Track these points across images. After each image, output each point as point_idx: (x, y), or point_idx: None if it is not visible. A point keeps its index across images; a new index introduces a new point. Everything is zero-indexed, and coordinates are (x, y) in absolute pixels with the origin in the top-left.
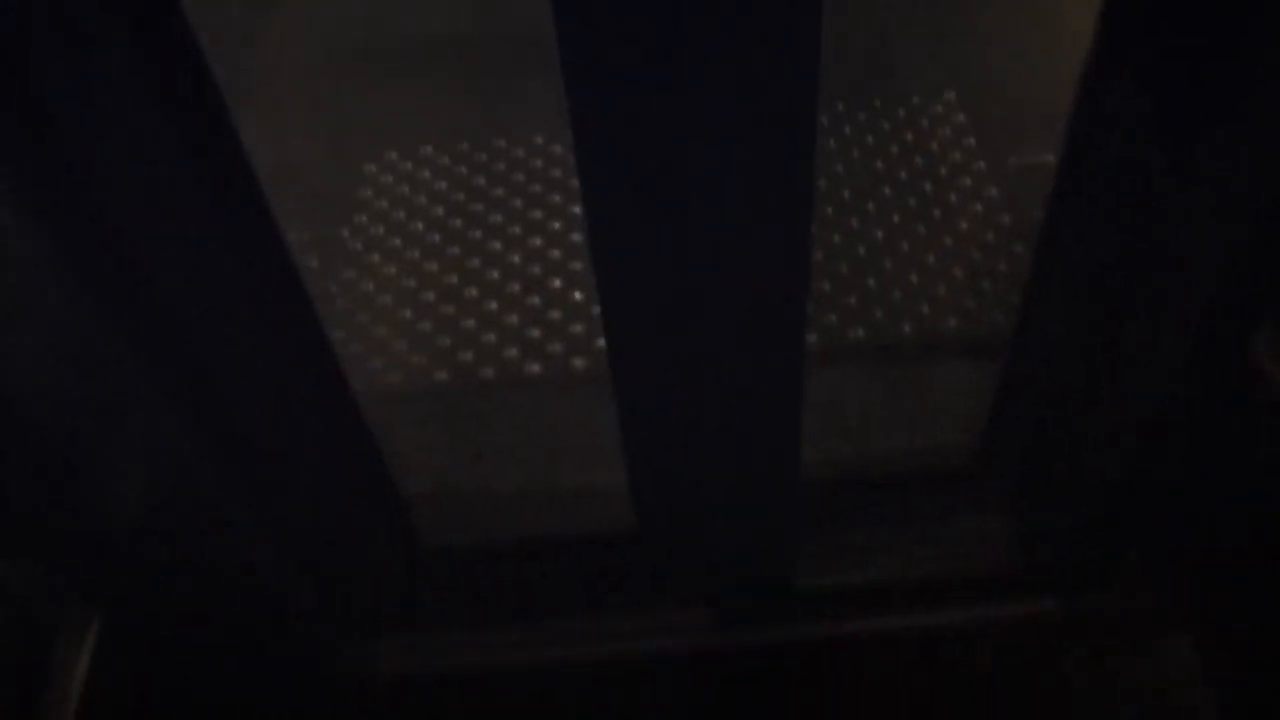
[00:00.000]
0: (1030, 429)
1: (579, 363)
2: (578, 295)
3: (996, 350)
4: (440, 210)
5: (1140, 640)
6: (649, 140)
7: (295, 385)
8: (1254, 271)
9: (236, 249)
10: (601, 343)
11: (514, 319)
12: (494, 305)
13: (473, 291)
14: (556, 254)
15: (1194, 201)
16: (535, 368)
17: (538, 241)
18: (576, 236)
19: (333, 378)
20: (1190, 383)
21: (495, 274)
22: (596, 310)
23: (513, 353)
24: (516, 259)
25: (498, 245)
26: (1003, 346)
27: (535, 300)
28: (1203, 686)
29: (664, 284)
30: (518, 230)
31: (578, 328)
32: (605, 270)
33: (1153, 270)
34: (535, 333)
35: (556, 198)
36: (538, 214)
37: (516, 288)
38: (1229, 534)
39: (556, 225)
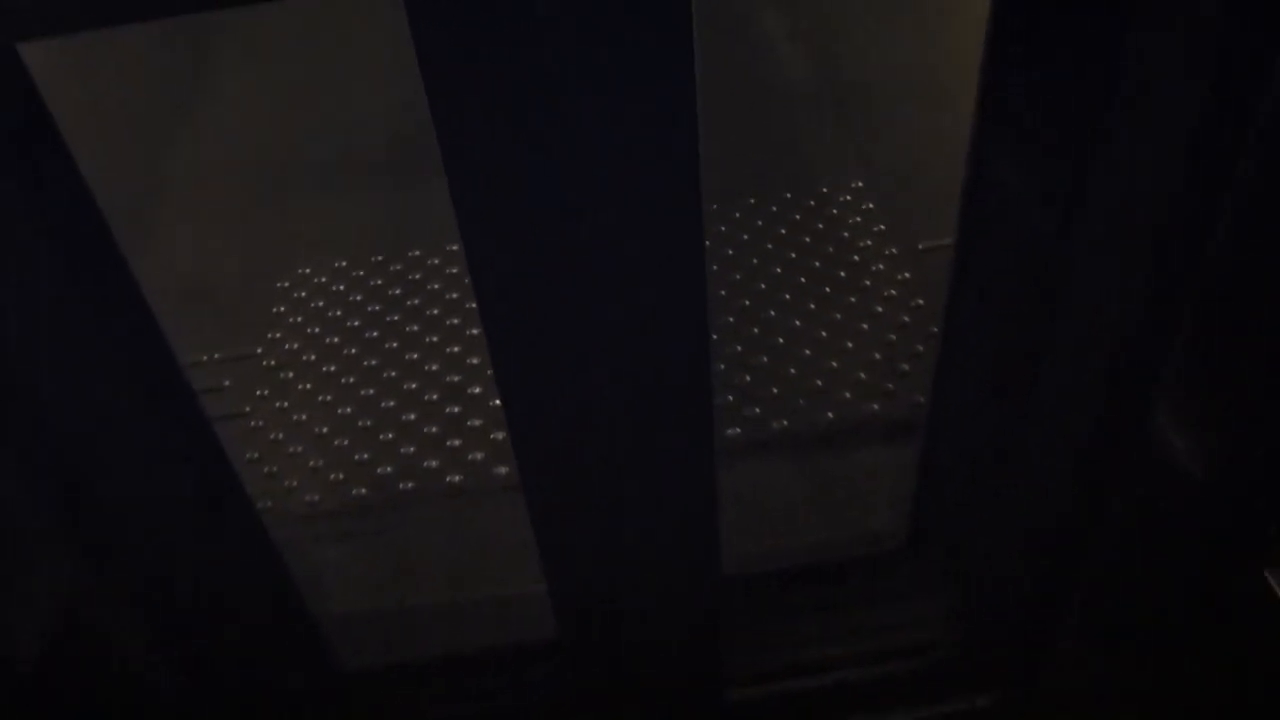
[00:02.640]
0: (954, 510)
1: (501, 470)
2: (497, 401)
3: (918, 432)
4: (356, 322)
5: None
6: (538, 248)
7: (193, 509)
8: (1151, 343)
9: (123, 371)
10: None
11: (434, 429)
12: (412, 416)
13: (390, 403)
14: (475, 360)
15: (1082, 277)
16: (457, 477)
17: (456, 349)
18: None
19: (236, 501)
20: (1098, 458)
21: (413, 384)
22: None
23: (433, 463)
24: (435, 367)
25: (415, 355)
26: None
27: (455, 409)
28: None
29: (566, 387)
30: (435, 338)
31: (499, 434)
32: (506, 379)
33: (1053, 344)
34: (456, 441)
35: (473, 304)
36: (455, 321)
37: (435, 396)
38: (1159, 606)
39: (474, 331)
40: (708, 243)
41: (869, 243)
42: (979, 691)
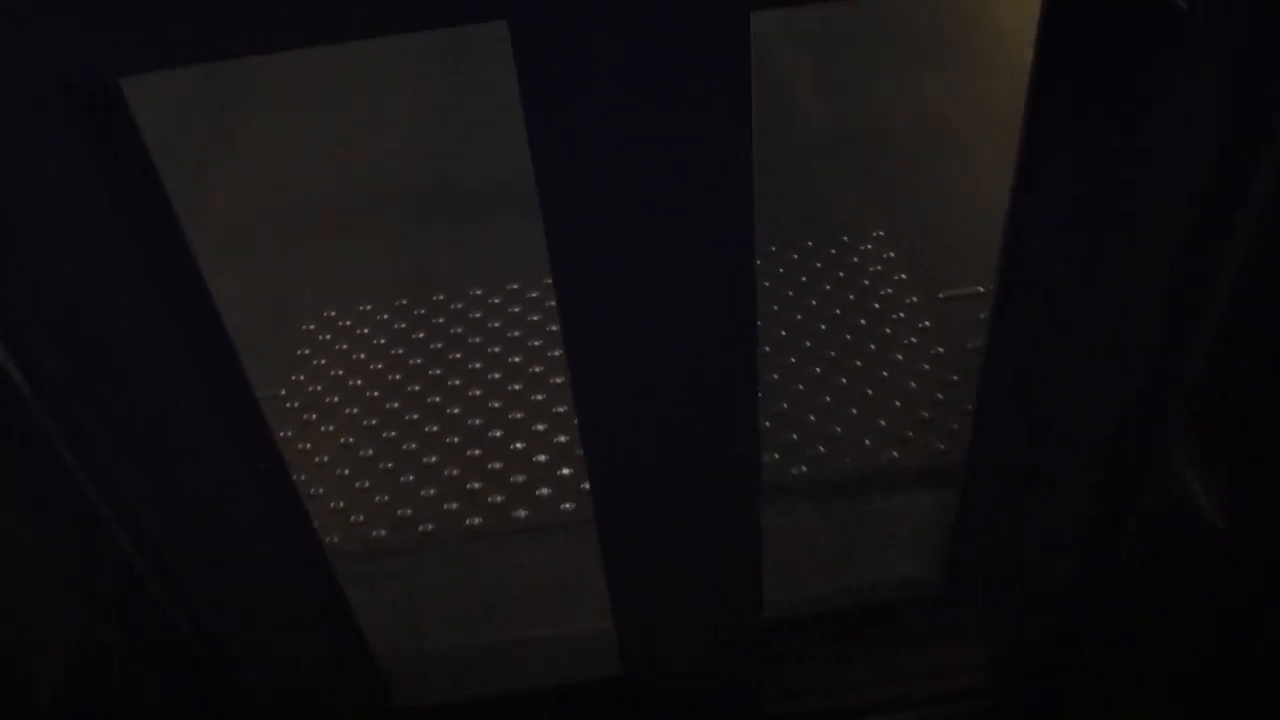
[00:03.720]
0: (986, 556)
1: (521, 513)
2: (519, 445)
3: (939, 479)
4: (379, 365)
5: None
6: (613, 300)
7: (263, 543)
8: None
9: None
10: (545, 491)
11: (454, 471)
12: (434, 459)
13: (411, 446)
14: (496, 404)
15: (1101, 322)
16: (476, 520)
17: (477, 392)
18: (518, 385)
19: (302, 535)
20: (1118, 503)
21: (435, 427)
22: (544, 459)
23: (454, 505)
24: (456, 411)
25: (437, 399)
26: (943, 475)
27: (475, 452)
28: None
29: (638, 428)
30: (457, 382)
31: (519, 478)
32: (588, 421)
33: (1072, 392)
34: (477, 485)
35: (495, 349)
36: (477, 365)
37: (455, 440)
38: (1182, 657)
39: (496, 375)
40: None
41: (889, 291)
42: None
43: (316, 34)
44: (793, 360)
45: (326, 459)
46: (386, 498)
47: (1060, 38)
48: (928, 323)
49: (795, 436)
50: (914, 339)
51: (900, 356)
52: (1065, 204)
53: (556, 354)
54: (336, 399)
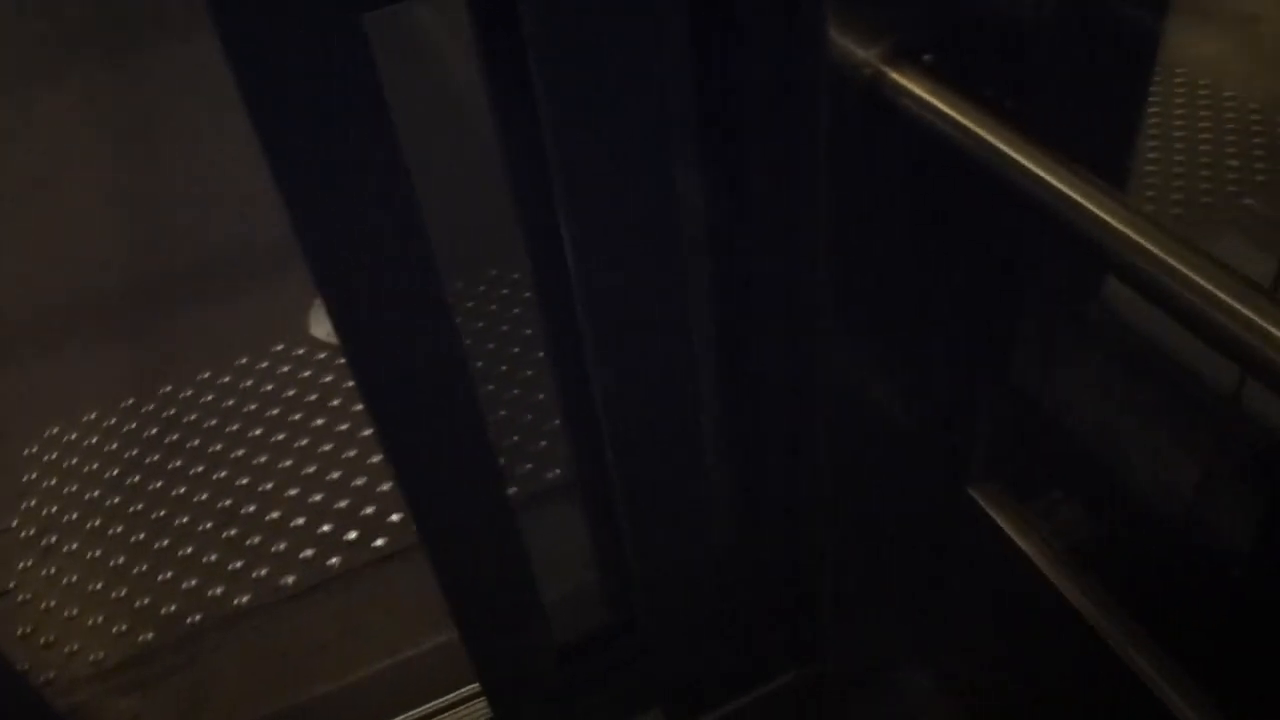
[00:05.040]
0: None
1: (289, 579)
2: (274, 515)
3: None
4: (115, 471)
5: None
6: None
7: None
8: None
9: None
10: (309, 553)
11: (213, 556)
12: (190, 549)
13: (164, 542)
14: (244, 480)
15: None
16: (244, 598)
17: (223, 473)
18: (262, 458)
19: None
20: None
21: (185, 518)
22: (302, 522)
23: (219, 590)
24: (204, 496)
25: (182, 489)
26: None
27: (231, 532)
28: None
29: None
30: (200, 468)
31: (280, 546)
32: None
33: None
34: (238, 563)
35: (233, 427)
36: (217, 447)
37: (209, 525)
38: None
39: (239, 453)
40: (457, 319)
41: None
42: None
43: None
44: (529, 373)
45: (75, 578)
46: (147, 600)
47: None
48: None
49: (544, 444)
50: None
51: None
52: None
53: (297, 418)
54: (75, 515)
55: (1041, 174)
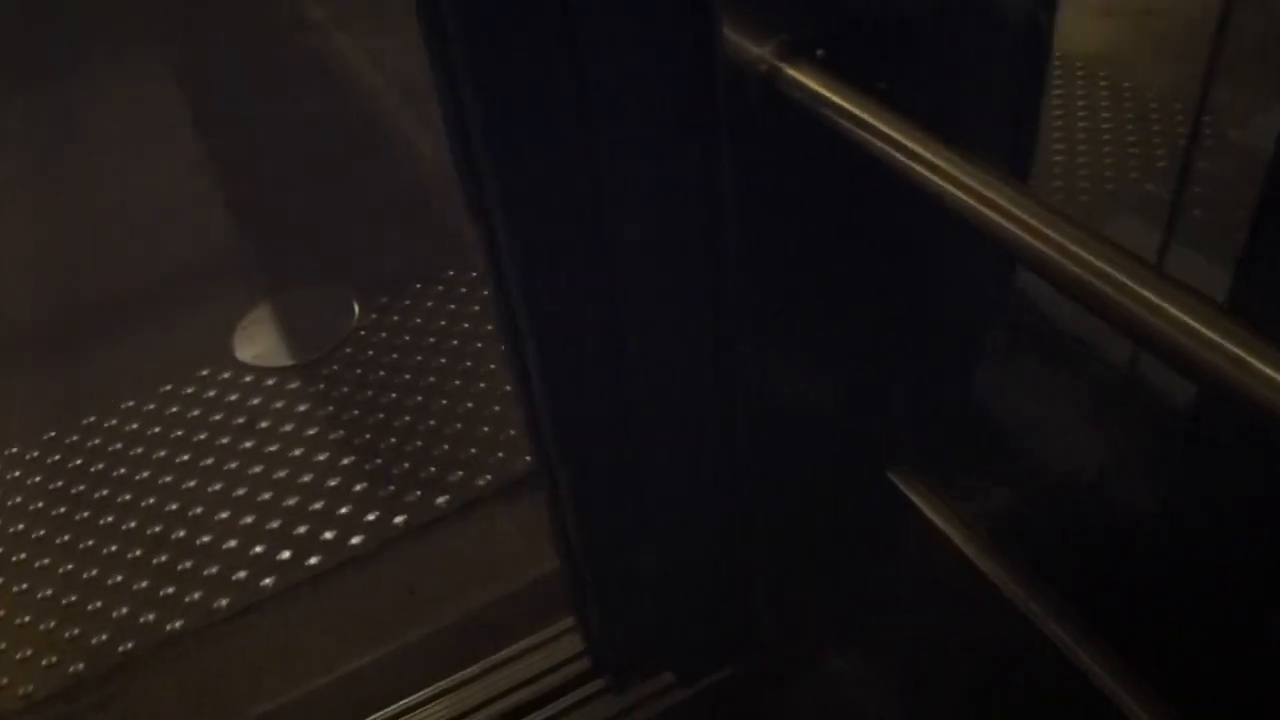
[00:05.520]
0: None
1: (222, 602)
2: (205, 539)
3: None
4: (39, 504)
5: None
6: None
7: None
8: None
9: None
10: (241, 574)
11: (144, 584)
12: (119, 577)
13: (93, 572)
14: (173, 506)
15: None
16: (178, 623)
17: (151, 500)
18: (190, 482)
19: None
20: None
21: (114, 546)
22: (234, 544)
23: (150, 617)
24: (133, 524)
25: (110, 518)
26: None
27: (162, 558)
28: None
29: None
30: (128, 496)
31: (211, 570)
32: None
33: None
34: (170, 589)
35: (160, 453)
36: (144, 474)
37: (139, 552)
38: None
39: (167, 479)
40: (384, 334)
41: None
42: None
43: None
44: (458, 383)
45: (2, 613)
46: (77, 630)
47: None
48: None
49: (474, 450)
50: None
51: None
52: None
53: (225, 441)
54: (0, 550)
55: (935, 161)
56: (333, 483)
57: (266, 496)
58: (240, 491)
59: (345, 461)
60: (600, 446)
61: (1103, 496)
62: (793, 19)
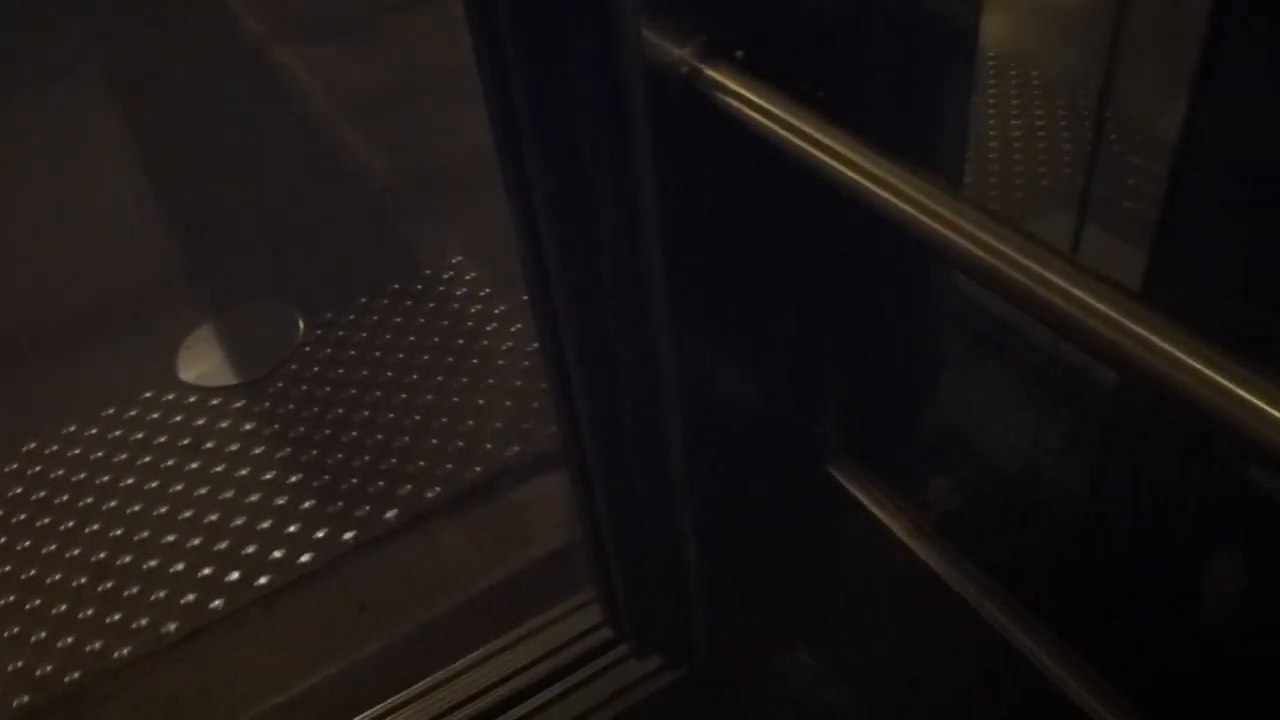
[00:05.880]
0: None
1: (170, 627)
2: (152, 563)
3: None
4: None
5: None
6: None
7: None
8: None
9: None
10: (190, 598)
11: (90, 611)
12: (64, 606)
13: (36, 602)
14: (118, 531)
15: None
16: (125, 650)
17: (96, 526)
18: (136, 506)
19: None
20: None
21: (58, 575)
22: (182, 567)
23: (97, 645)
24: (77, 551)
25: (52, 546)
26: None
27: (108, 584)
28: None
29: None
30: (71, 523)
31: (160, 594)
32: None
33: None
34: (116, 616)
35: (105, 478)
36: (88, 500)
37: (84, 580)
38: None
39: (111, 504)
40: (329, 350)
41: (479, 307)
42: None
43: None
44: (404, 396)
45: None
46: (20, 663)
47: None
48: (519, 325)
49: (422, 463)
50: (511, 342)
51: (502, 361)
52: None
53: (170, 464)
54: None
55: (856, 160)
56: (280, 501)
57: (213, 518)
58: (187, 514)
59: (292, 479)
60: None
61: (1039, 483)
62: (712, 20)
